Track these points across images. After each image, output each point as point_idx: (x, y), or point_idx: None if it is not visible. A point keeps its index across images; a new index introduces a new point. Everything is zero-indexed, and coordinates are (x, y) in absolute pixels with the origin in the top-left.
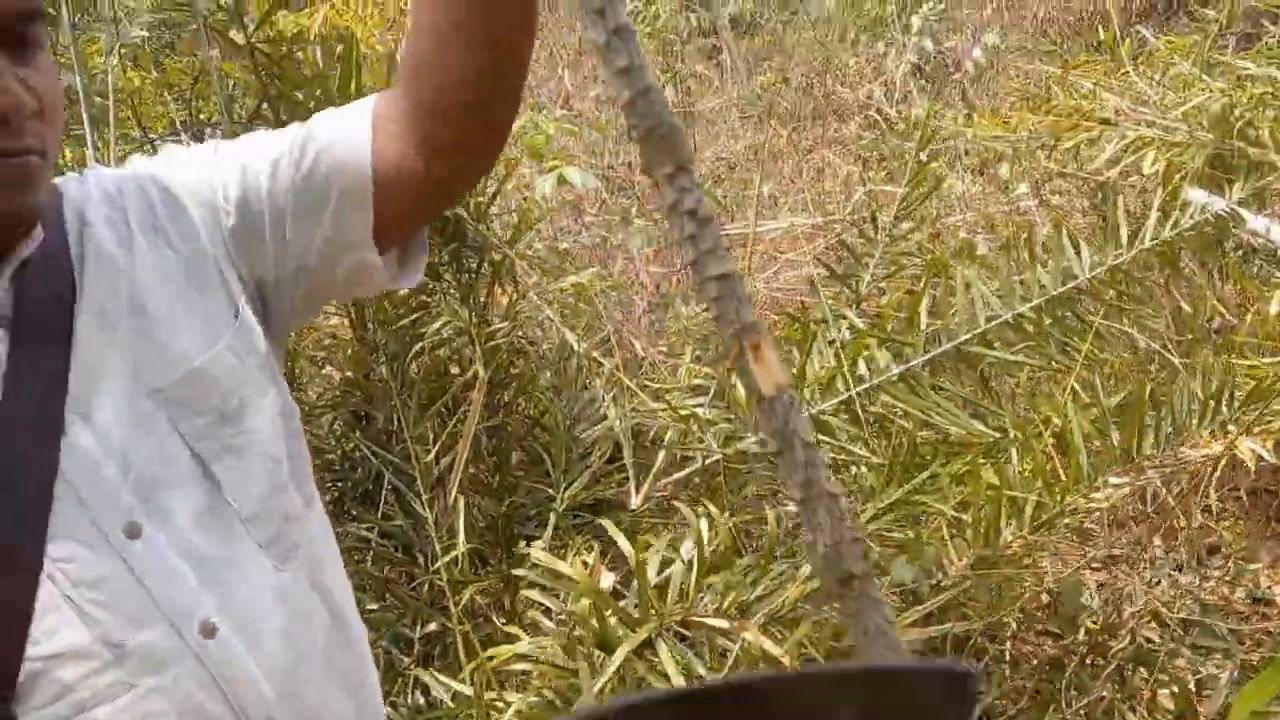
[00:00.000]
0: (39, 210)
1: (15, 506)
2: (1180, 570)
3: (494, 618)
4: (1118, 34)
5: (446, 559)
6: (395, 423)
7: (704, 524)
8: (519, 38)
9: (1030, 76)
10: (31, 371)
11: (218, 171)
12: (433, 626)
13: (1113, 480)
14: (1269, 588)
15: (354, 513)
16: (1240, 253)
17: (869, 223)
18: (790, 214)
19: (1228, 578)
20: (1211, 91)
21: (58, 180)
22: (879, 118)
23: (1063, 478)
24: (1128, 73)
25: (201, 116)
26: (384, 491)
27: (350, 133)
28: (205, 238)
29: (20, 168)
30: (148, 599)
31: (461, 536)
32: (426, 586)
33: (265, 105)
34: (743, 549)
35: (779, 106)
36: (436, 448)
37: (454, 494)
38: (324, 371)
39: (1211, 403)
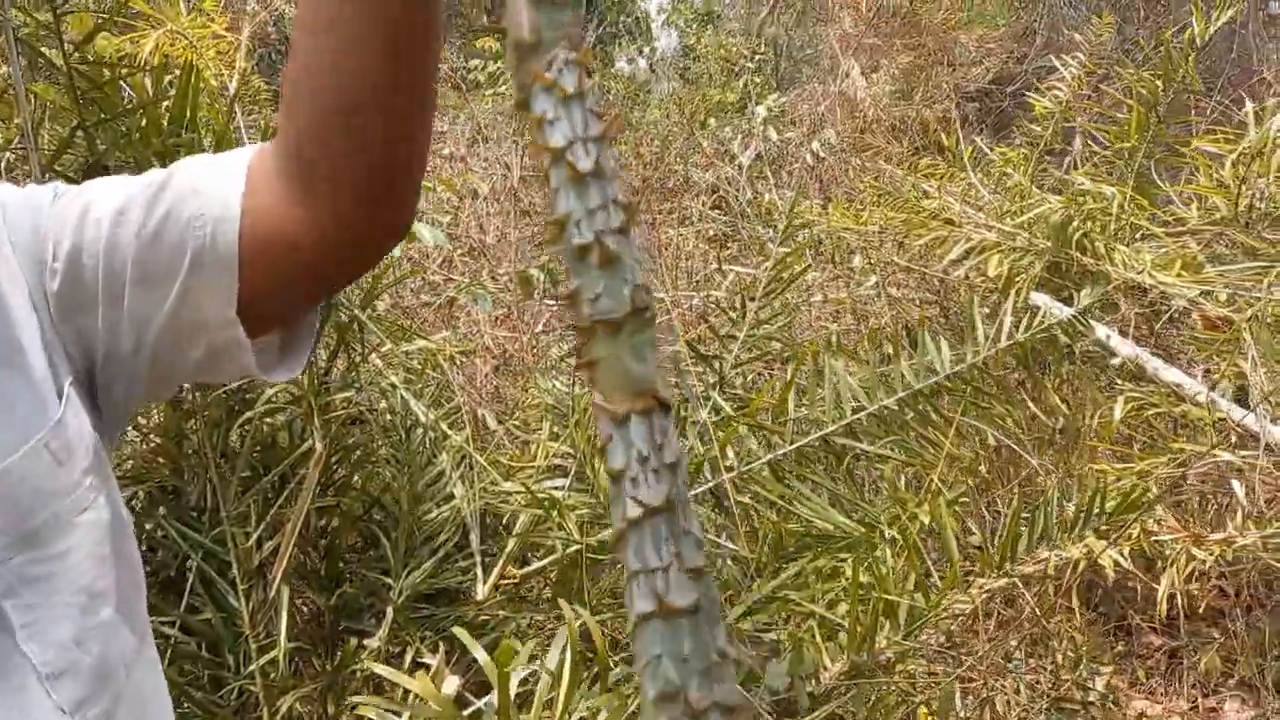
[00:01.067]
0: None
1: None
2: (1037, 677)
3: None
4: (960, 140)
5: (263, 660)
6: (210, 499)
7: (573, 623)
8: (418, 39)
9: (869, 172)
10: None
11: (50, 221)
12: None
13: (982, 583)
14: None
15: (152, 603)
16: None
17: (735, 304)
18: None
19: (1080, 679)
20: (1050, 203)
21: None
22: (731, 200)
23: (940, 583)
24: (967, 178)
25: None
26: (190, 580)
27: (218, 184)
28: (23, 302)
29: None
30: None
31: (283, 634)
32: (235, 693)
33: (80, 133)
34: (610, 656)
35: (627, 179)
36: (259, 530)
37: (276, 584)
38: (125, 435)
39: (1080, 515)
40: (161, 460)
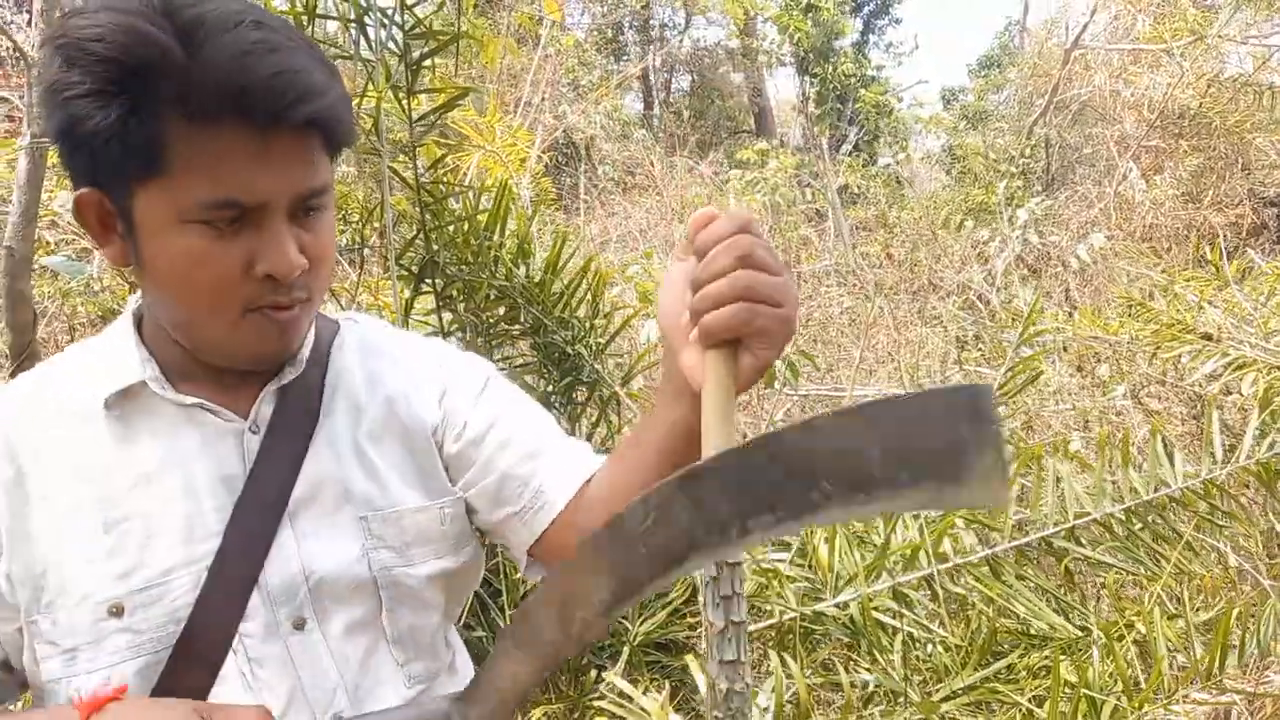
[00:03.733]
0: (301, 346)
1: (236, 584)
2: None
3: None
4: (1224, 251)
5: None
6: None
7: (782, 672)
8: None
9: (1134, 280)
10: (271, 472)
11: (466, 404)
12: None
13: (1194, 694)
14: None
15: None
16: None
17: None
18: (884, 381)
19: None
20: None
21: (338, 316)
22: (978, 301)
23: (1143, 685)
24: (1232, 291)
25: (363, 236)
26: (468, 603)
27: (565, 480)
28: (427, 432)
29: (289, 321)
30: (298, 685)
31: None
32: None
33: (420, 235)
34: (814, 709)
35: (879, 277)
36: None
37: None
38: None
39: None
40: None
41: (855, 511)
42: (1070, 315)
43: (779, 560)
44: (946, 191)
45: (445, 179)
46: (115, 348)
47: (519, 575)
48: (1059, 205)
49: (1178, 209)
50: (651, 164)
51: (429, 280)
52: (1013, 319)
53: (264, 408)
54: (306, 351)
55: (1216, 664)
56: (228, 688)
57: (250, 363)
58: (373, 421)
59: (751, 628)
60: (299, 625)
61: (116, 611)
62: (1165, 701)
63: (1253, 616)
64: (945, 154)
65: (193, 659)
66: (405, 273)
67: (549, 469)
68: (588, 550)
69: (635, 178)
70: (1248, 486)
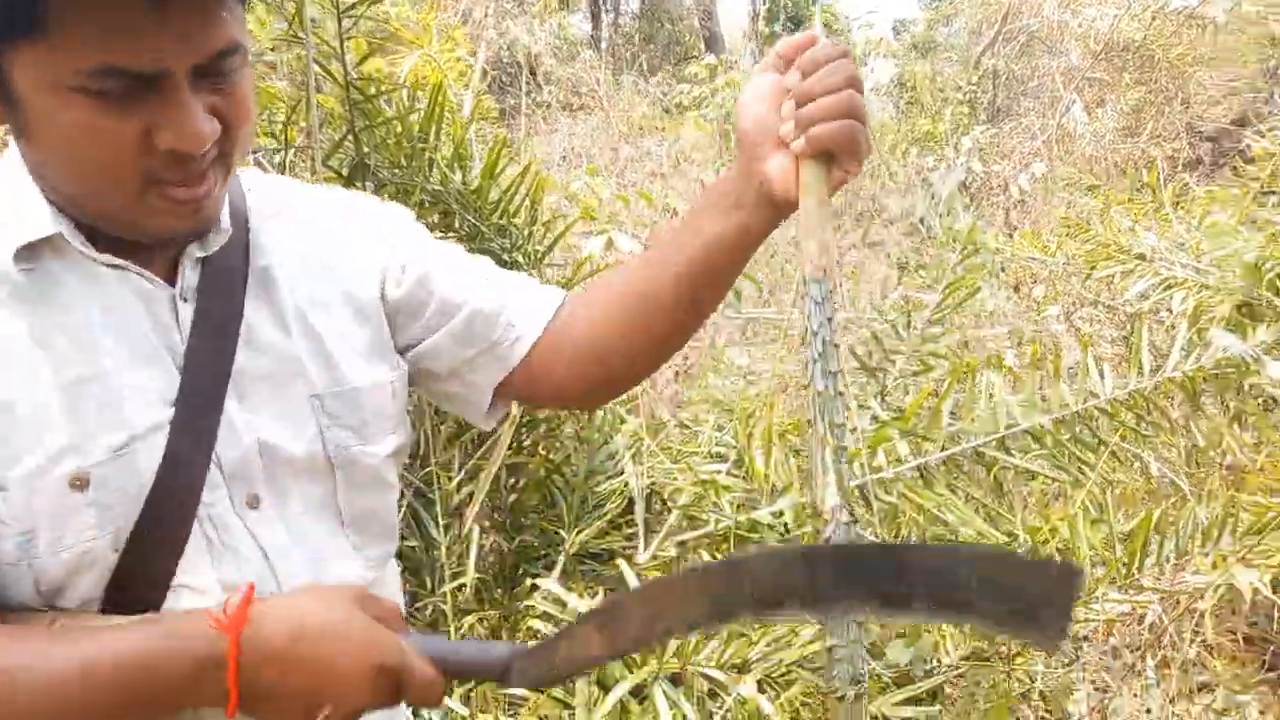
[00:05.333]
0: (219, 217)
1: (194, 455)
2: (1172, 701)
3: None
4: (1161, 178)
5: (453, 585)
6: (422, 446)
7: None
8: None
9: (1073, 207)
10: (210, 344)
11: (401, 240)
12: None
13: (1112, 595)
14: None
15: None
16: (1261, 400)
17: (904, 322)
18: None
19: (1216, 708)
20: (1247, 241)
21: (252, 176)
22: (920, 226)
23: None
24: (1168, 215)
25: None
26: (402, 510)
27: (534, 313)
28: (372, 289)
29: (198, 200)
30: (264, 563)
31: (471, 566)
32: (429, 609)
33: (350, 137)
34: None
35: None
36: (459, 476)
37: (470, 524)
38: None
39: (1215, 530)
40: None
41: (937, 619)
42: (1010, 238)
43: (715, 471)
44: (894, 121)
45: (377, 75)
46: (7, 195)
47: (453, 482)
48: (1003, 135)
49: (1118, 142)
50: (597, 82)
51: (359, 184)
52: (953, 240)
53: (190, 275)
54: (226, 218)
55: (1136, 566)
56: (189, 564)
57: (160, 238)
58: (311, 289)
59: (687, 536)
60: (254, 503)
61: (80, 484)
62: (1085, 600)
63: (1172, 523)
64: (893, 85)
65: (161, 534)
66: (334, 175)
67: (516, 297)
68: (696, 574)
69: (581, 98)
70: (1172, 399)
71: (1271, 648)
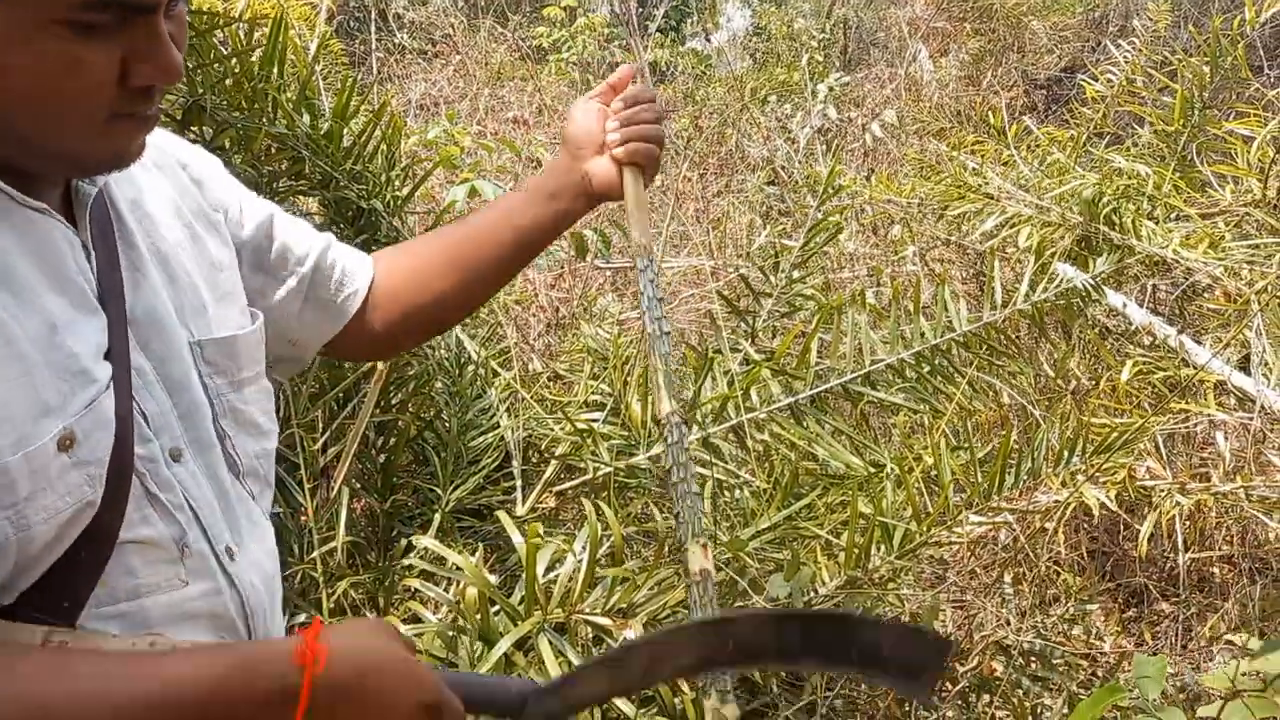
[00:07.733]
0: None
1: (125, 404)
2: (1026, 613)
3: (367, 614)
4: (1005, 121)
5: (323, 549)
6: (282, 408)
7: (599, 523)
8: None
9: (925, 152)
10: (113, 296)
11: (233, 183)
12: (303, 618)
13: (973, 518)
14: (1102, 627)
15: None
16: (1097, 328)
17: (770, 266)
18: (693, 254)
19: (1067, 617)
20: (1084, 179)
21: None
22: (782, 173)
23: (931, 512)
24: (1011, 156)
25: None
26: None
27: (362, 273)
28: (224, 232)
29: (151, 125)
30: (193, 516)
31: (342, 529)
32: (299, 577)
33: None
34: (628, 557)
35: (688, 152)
36: (325, 437)
37: (338, 485)
38: None
39: (1065, 451)
40: None
41: (863, 675)
42: (868, 180)
43: (593, 419)
44: (751, 73)
45: (209, 9)
46: None
47: (318, 444)
48: (856, 84)
49: (960, 91)
50: (452, 27)
51: (196, 127)
52: (813, 185)
53: (88, 219)
54: None
55: (995, 488)
56: (129, 521)
57: (92, 173)
58: (172, 233)
59: (567, 485)
60: (176, 456)
61: (67, 444)
62: (950, 524)
63: (1025, 447)
64: (750, 36)
65: (116, 489)
66: (167, 119)
67: (342, 253)
68: (691, 629)
69: (436, 45)
70: (1020, 330)
71: (1111, 558)
